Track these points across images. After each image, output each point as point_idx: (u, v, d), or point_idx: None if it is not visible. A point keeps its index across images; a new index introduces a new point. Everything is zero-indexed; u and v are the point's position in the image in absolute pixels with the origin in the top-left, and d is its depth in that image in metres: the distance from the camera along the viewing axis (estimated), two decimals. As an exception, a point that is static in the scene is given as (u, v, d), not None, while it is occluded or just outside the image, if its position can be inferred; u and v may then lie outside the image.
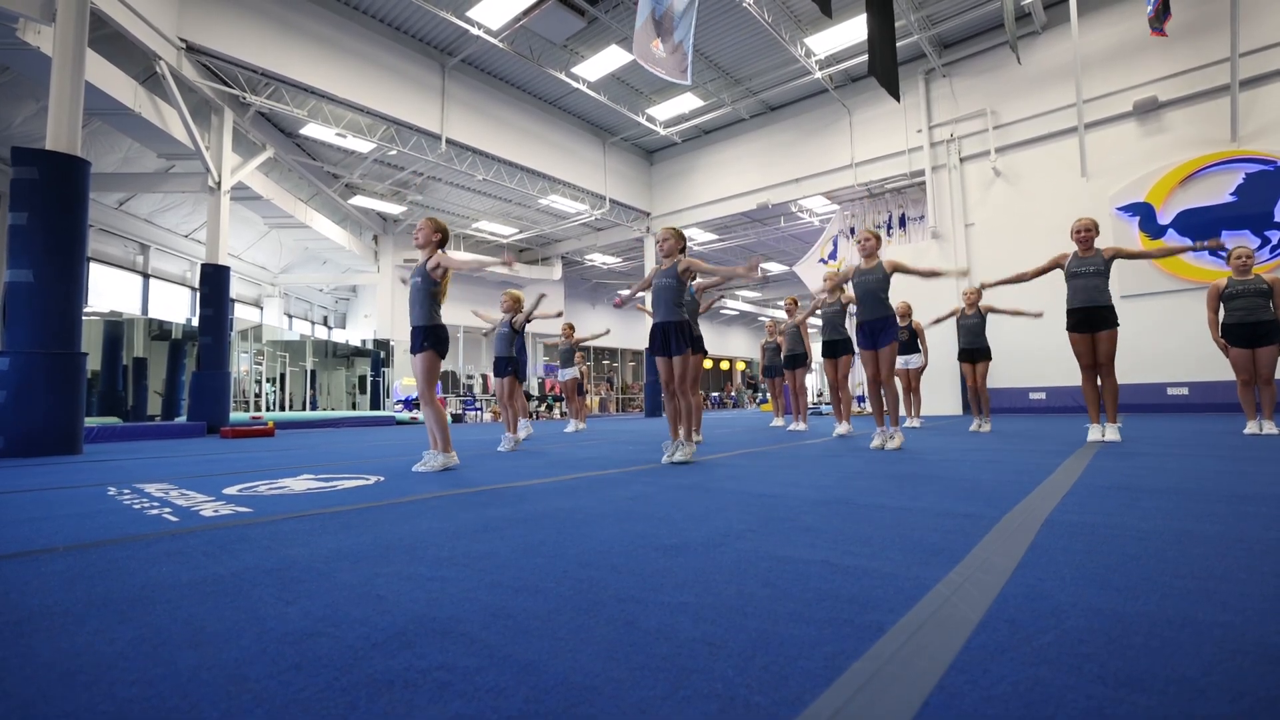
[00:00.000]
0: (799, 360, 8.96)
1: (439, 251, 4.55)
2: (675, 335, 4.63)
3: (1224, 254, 7.33)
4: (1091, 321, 5.43)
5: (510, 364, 6.99)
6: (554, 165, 16.43)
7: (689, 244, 20.95)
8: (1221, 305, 6.25)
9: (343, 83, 12.09)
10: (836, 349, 7.00)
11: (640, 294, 5.27)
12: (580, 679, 1.03)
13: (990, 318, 7.92)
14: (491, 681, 1.02)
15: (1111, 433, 5.49)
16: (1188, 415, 9.67)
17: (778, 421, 10.05)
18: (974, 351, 7.73)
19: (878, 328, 5.44)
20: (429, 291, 4.48)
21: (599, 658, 1.11)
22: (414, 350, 4.51)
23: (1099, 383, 5.55)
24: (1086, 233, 5.53)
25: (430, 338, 4.47)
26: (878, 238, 5.55)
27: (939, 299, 12.89)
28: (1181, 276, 10.83)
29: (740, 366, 38.61)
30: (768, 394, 23.07)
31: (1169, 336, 10.83)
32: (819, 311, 7.19)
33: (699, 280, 6.33)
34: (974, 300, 7.77)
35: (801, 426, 8.76)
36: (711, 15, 12.39)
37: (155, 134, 10.81)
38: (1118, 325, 5.41)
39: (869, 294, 5.43)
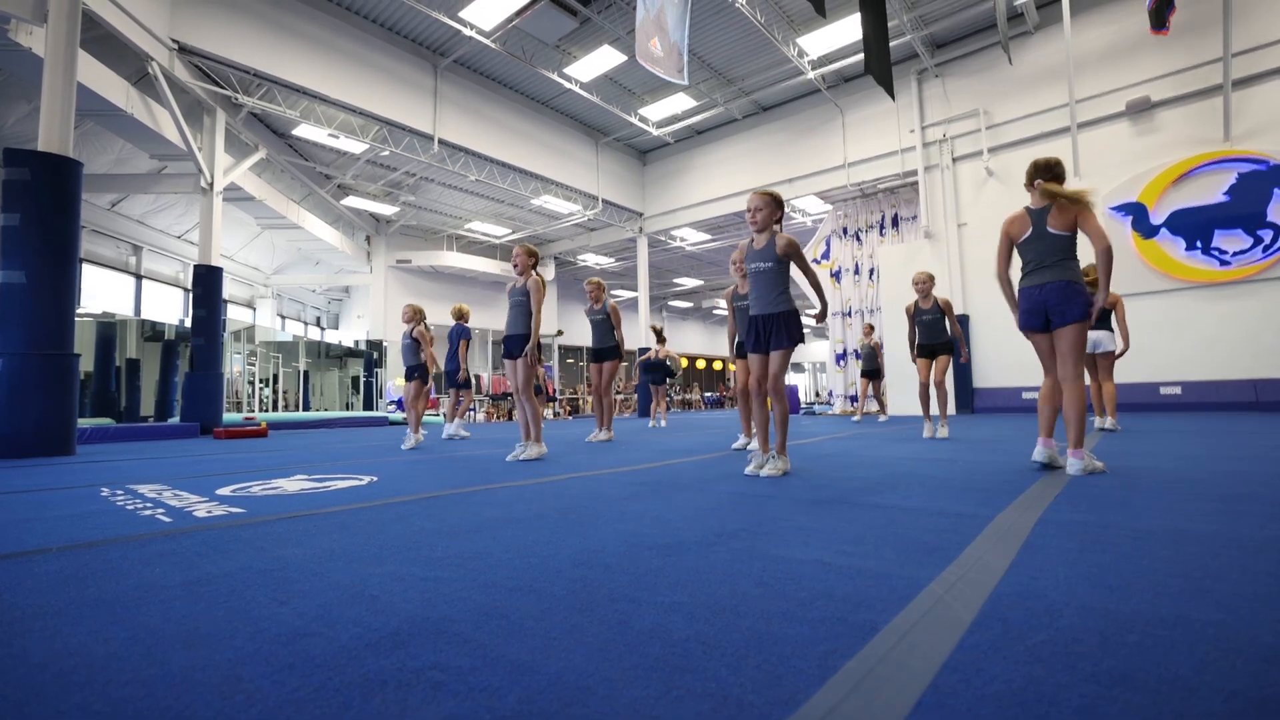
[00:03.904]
0: None
1: (534, 274, 5.22)
2: (775, 328, 3.81)
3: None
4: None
5: (416, 370, 7.55)
6: (546, 166, 16.44)
7: (681, 244, 21.11)
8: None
9: (335, 83, 12.06)
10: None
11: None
12: (574, 678, 1.03)
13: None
14: (485, 681, 1.02)
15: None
16: (1181, 414, 9.71)
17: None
18: (934, 346, 6.53)
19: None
20: (529, 307, 5.18)
21: (592, 657, 1.11)
22: (514, 355, 5.22)
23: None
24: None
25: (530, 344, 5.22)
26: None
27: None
28: (1175, 276, 10.87)
29: (733, 367, 38.59)
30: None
31: (1162, 336, 10.87)
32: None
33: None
34: (928, 290, 6.47)
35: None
36: (704, 15, 12.40)
37: (147, 135, 10.77)
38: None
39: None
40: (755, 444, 4.35)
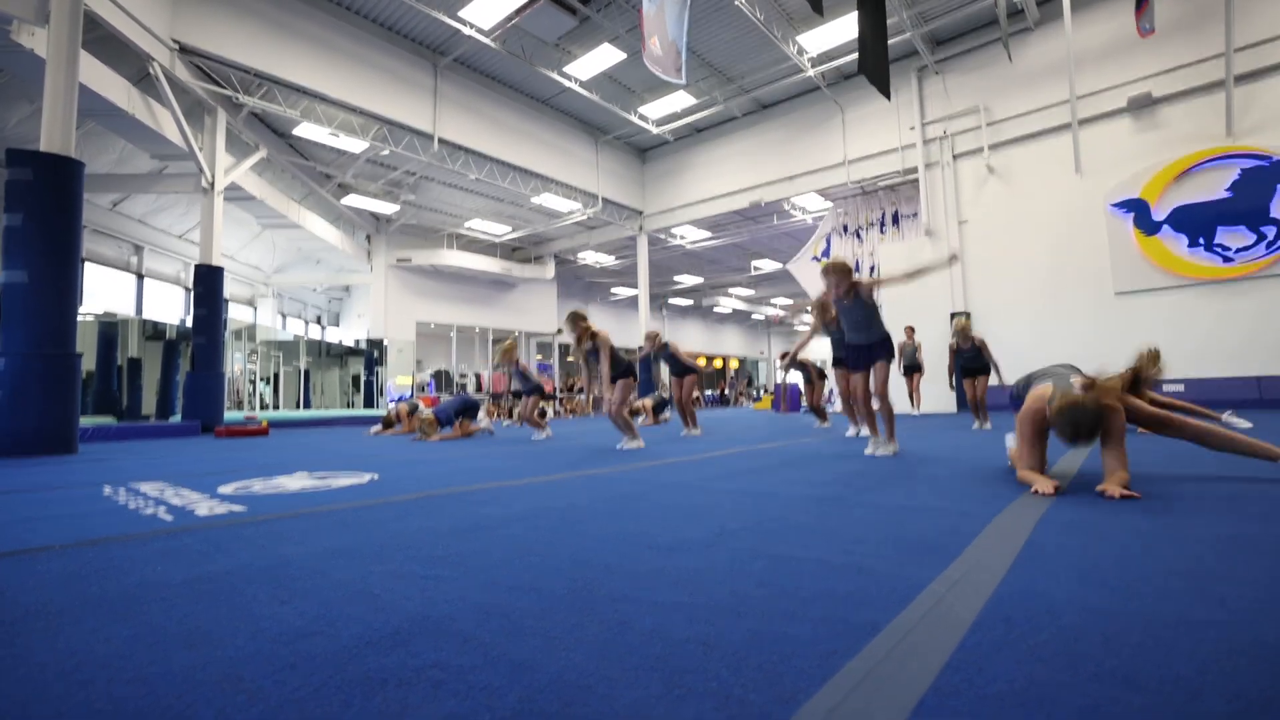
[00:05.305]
0: None
1: (597, 333, 6.31)
2: (876, 349, 4.87)
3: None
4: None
5: (535, 389, 8.82)
6: (546, 164, 16.42)
7: (681, 242, 21.11)
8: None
9: (335, 83, 12.06)
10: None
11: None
12: (574, 678, 1.03)
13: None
14: (485, 680, 1.02)
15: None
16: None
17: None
18: (975, 370, 8.22)
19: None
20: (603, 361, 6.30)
21: (593, 657, 1.11)
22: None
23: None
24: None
25: (625, 373, 6.31)
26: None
27: (933, 308, 12.94)
28: (1177, 273, 10.85)
29: (734, 364, 38.63)
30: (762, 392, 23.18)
31: (1164, 333, 10.83)
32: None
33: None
34: (967, 334, 8.24)
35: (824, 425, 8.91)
36: (704, 13, 12.37)
37: (149, 135, 10.77)
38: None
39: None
40: (866, 430, 5.77)
